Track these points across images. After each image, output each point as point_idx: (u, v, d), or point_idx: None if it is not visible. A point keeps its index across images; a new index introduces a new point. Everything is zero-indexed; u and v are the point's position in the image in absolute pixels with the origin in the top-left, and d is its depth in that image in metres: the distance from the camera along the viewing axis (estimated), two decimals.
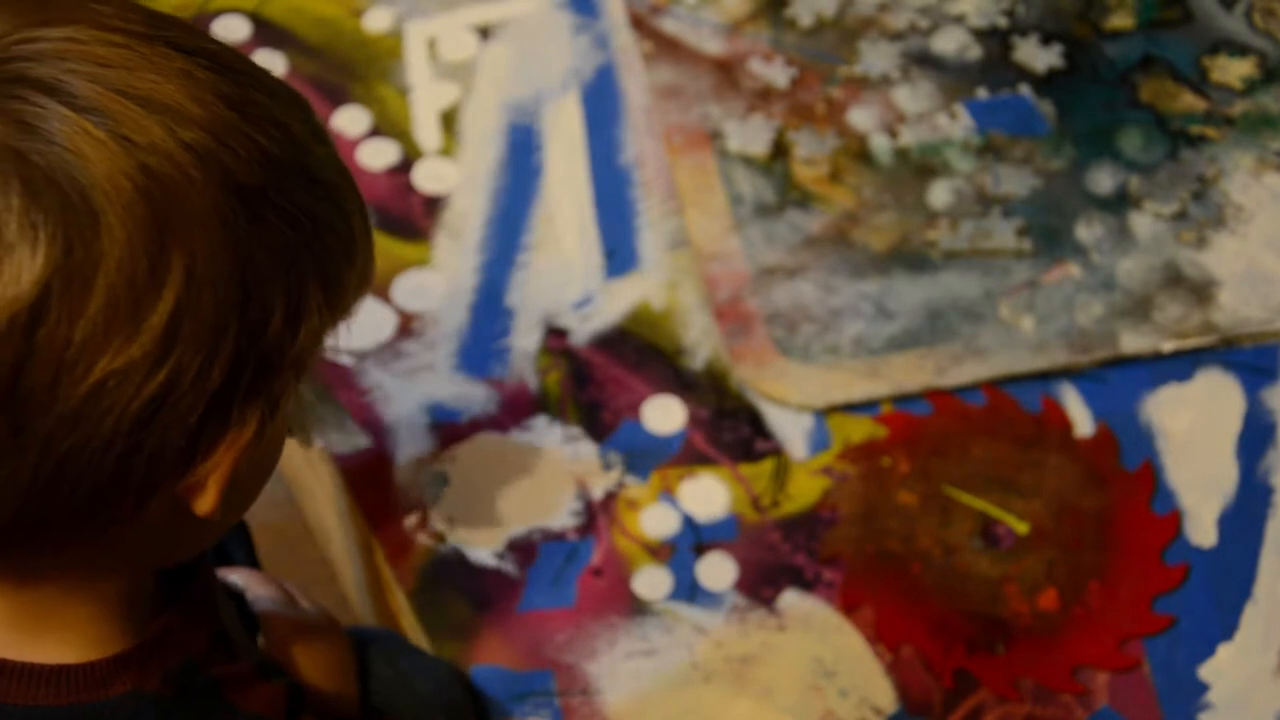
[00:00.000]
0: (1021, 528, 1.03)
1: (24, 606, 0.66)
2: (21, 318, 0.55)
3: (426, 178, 1.18)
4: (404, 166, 1.18)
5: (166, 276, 0.56)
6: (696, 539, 1.03)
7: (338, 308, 0.63)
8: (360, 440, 1.02)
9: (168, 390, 0.57)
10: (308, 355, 0.62)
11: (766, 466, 1.06)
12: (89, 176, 0.55)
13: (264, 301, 0.59)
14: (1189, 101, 1.20)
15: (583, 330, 1.11)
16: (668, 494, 1.05)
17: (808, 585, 1.02)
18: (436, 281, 1.13)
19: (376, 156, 1.19)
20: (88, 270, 0.55)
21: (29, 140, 0.56)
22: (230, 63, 0.61)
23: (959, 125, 1.19)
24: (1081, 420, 1.07)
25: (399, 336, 1.11)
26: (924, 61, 1.22)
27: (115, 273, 0.55)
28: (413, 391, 1.09)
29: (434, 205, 1.17)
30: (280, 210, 0.59)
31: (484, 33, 1.25)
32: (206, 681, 0.69)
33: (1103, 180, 1.16)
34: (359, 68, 1.23)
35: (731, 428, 1.07)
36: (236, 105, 0.59)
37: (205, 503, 0.63)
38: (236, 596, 0.87)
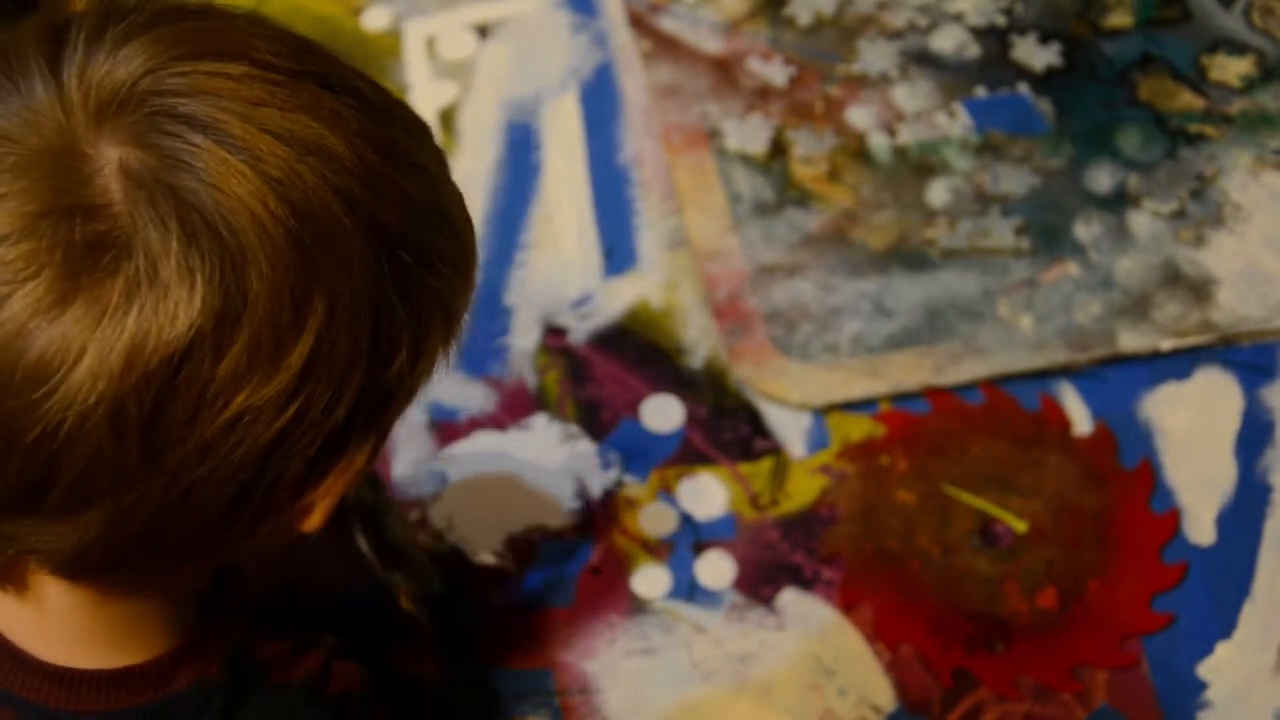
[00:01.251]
0: (1020, 526, 1.03)
1: (106, 617, 0.67)
2: (174, 359, 0.55)
3: None
4: None
5: (308, 319, 0.57)
6: (695, 538, 1.03)
7: (453, 337, 0.64)
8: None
9: (295, 424, 0.58)
10: (422, 385, 0.63)
11: (765, 465, 1.06)
12: (241, 219, 0.55)
13: (393, 341, 0.60)
14: (1188, 100, 1.20)
15: (581, 329, 1.11)
16: (666, 493, 1.05)
17: (806, 584, 1.02)
18: None
19: None
20: (237, 313, 0.55)
21: (181, 178, 0.56)
22: (374, 100, 0.62)
23: (957, 124, 1.19)
24: (1080, 419, 1.07)
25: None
26: (922, 60, 1.22)
27: (261, 315, 0.56)
28: None
29: None
30: (418, 253, 0.60)
31: (483, 31, 1.25)
32: (255, 663, 0.70)
33: (1101, 179, 1.16)
34: (357, 66, 1.22)
35: (730, 426, 1.07)
36: (382, 148, 0.59)
37: (312, 523, 0.64)
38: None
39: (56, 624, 0.66)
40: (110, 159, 0.56)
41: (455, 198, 0.64)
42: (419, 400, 0.65)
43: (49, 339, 0.54)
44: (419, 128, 0.64)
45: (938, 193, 1.16)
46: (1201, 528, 1.04)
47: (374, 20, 1.25)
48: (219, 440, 0.57)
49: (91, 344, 0.54)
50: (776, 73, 1.22)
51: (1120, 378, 1.09)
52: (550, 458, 1.06)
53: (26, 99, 0.57)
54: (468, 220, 0.64)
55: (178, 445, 0.56)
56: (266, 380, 0.56)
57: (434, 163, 0.63)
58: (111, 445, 0.56)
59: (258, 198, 0.56)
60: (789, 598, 1.01)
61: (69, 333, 0.54)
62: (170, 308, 0.55)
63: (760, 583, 1.02)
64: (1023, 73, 1.21)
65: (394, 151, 0.60)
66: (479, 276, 0.67)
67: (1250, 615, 1.01)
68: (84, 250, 0.54)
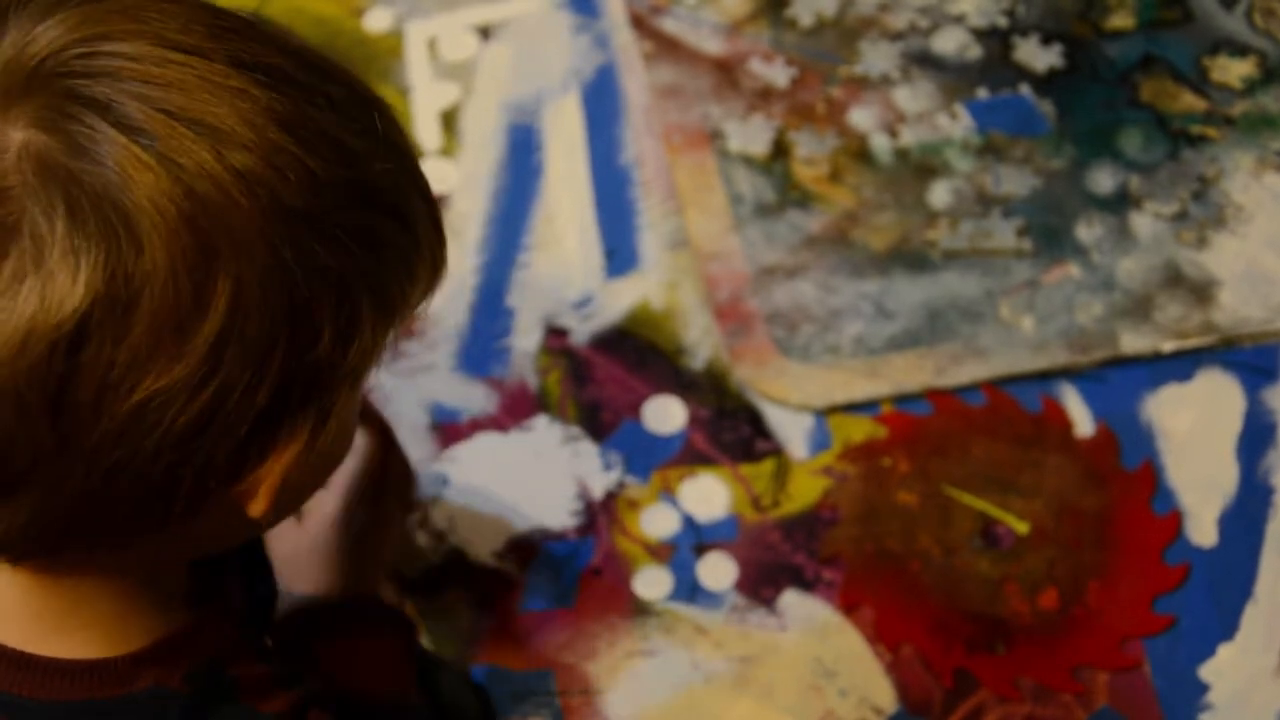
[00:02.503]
0: (1021, 527, 1.03)
1: (57, 599, 0.66)
2: (63, 343, 0.55)
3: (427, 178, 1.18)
4: None
5: (211, 301, 0.56)
6: (697, 539, 1.03)
7: (393, 320, 0.63)
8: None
9: (214, 408, 0.57)
10: (361, 367, 0.62)
11: (767, 466, 1.06)
12: (134, 201, 0.55)
13: (312, 323, 0.59)
14: (1189, 101, 1.20)
15: (583, 330, 1.11)
16: (668, 494, 1.05)
17: (808, 585, 1.02)
18: None
19: None
20: (130, 296, 0.55)
21: (78, 160, 0.56)
22: (291, 74, 0.60)
23: (959, 125, 1.19)
24: (1081, 420, 1.07)
25: (399, 336, 1.11)
26: (924, 61, 1.22)
27: (159, 298, 0.55)
28: (413, 391, 1.09)
29: None
30: (330, 233, 0.59)
31: (484, 33, 1.25)
32: (226, 680, 0.70)
33: (1103, 180, 1.16)
34: (359, 67, 1.22)
35: (731, 428, 1.07)
36: (289, 125, 0.58)
37: (256, 507, 0.63)
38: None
39: (9, 608, 0.66)
40: (13, 141, 0.56)
41: (389, 174, 0.62)
42: (365, 382, 0.64)
43: None
44: (351, 103, 0.62)
45: (939, 194, 1.16)
46: (1203, 529, 1.04)
47: (375, 21, 1.25)
48: (132, 424, 0.56)
49: None
50: (778, 74, 1.22)
51: (1122, 379, 1.09)
52: (551, 459, 1.06)
53: None
54: (415, 195, 0.63)
55: (89, 429, 0.56)
56: (172, 363, 0.56)
57: (360, 140, 0.61)
58: (20, 429, 0.56)
59: (151, 180, 0.55)
60: (790, 599, 1.01)
61: None
62: (56, 291, 0.54)
63: (761, 584, 1.02)
64: (1024, 74, 1.21)
65: (302, 128, 0.59)
66: (443, 250, 0.65)
67: (1252, 617, 1.01)
68: None
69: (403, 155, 0.64)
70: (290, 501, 0.67)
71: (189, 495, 0.60)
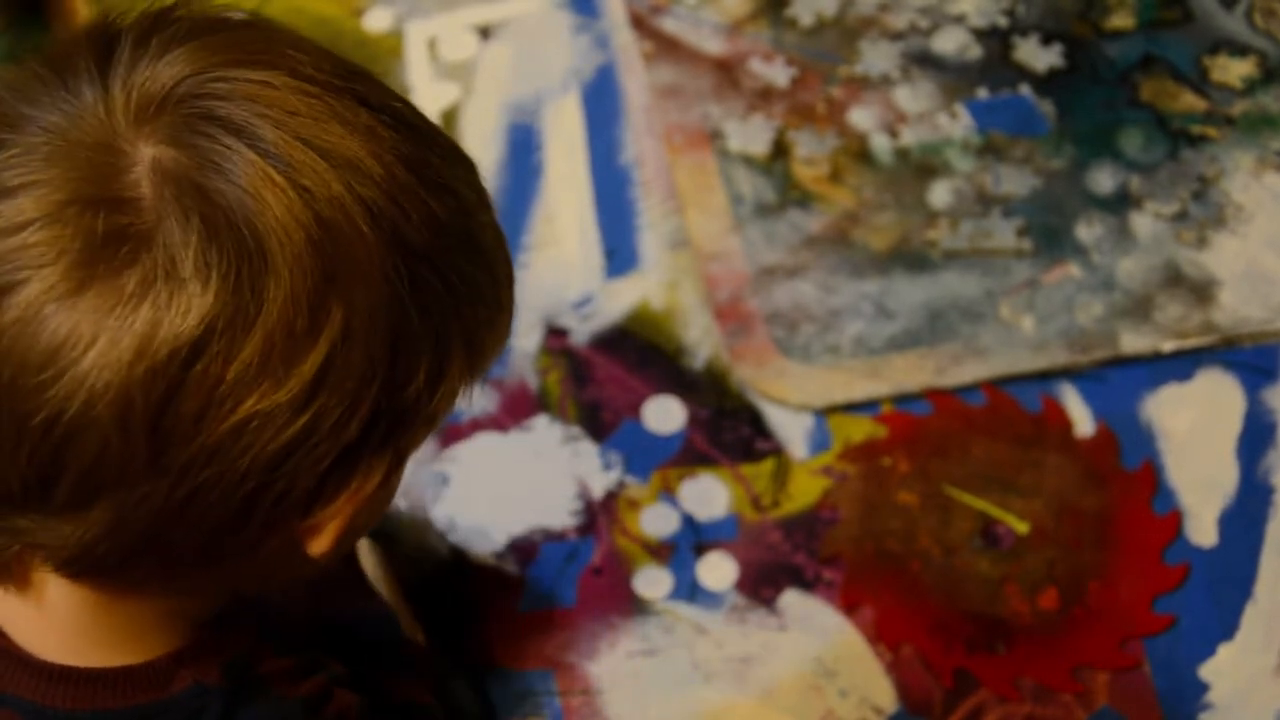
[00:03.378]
0: (1021, 527, 1.03)
1: (105, 615, 0.67)
2: (182, 353, 0.55)
3: None
4: None
5: (324, 327, 0.57)
6: (697, 539, 1.03)
7: (476, 370, 0.64)
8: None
9: (305, 436, 0.58)
10: (441, 413, 0.63)
11: (767, 466, 1.06)
12: (265, 222, 0.56)
13: (410, 361, 0.60)
14: (1189, 101, 1.20)
15: (583, 330, 1.11)
16: (668, 494, 1.05)
17: (808, 585, 1.02)
18: None
19: None
20: (251, 314, 0.56)
21: (213, 178, 0.56)
22: (412, 120, 0.62)
23: (959, 125, 1.19)
24: (1082, 420, 1.07)
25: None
26: (924, 61, 1.22)
27: (276, 319, 0.56)
28: None
29: None
30: (441, 275, 0.60)
31: (484, 33, 1.25)
32: (257, 676, 0.70)
33: (1103, 180, 1.16)
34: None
35: (732, 427, 1.07)
36: (414, 167, 0.60)
37: (320, 545, 0.64)
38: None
39: (56, 622, 0.66)
40: (145, 156, 0.57)
41: (491, 230, 0.64)
42: (437, 430, 0.64)
43: (60, 324, 0.55)
44: (458, 156, 0.64)
45: (939, 194, 1.16)
46: (1203, 529, 1.04)
47: (375, 21, 1.25)
48: (226, 443, 0.57)
49: (103, 332, 0.55)
50: (778, 74, 1.22)
51: (1122, 379, 1.09)
52: (551, 459, 1.06)
53: (73, 97, 0.58)
54: (503, 256, 0.65)
55: (184, 444, 0.57)
56: (277, 386, 0.57)
57: (470, 191, 0.63)
58: (118, 437, 0.56)
59: (284, 203, 0.56)
60: (790, 599, 1.01)
61: (81, 319, 0.55)
62: (184, 302, 0.55)
63: (761, 584, 1.02)
64: (1024, 74, 1.21)
65: (426, 172, 0.60)
66: (514, 314, 0.67)
67: (1252, 616, 1.01)
68: (104, 240, 0.55)
69: (494, 214, 0.66)
70: (347, 542, 0.67)
71: (261, 526, 0.60)
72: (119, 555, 0.60)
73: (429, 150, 0.62)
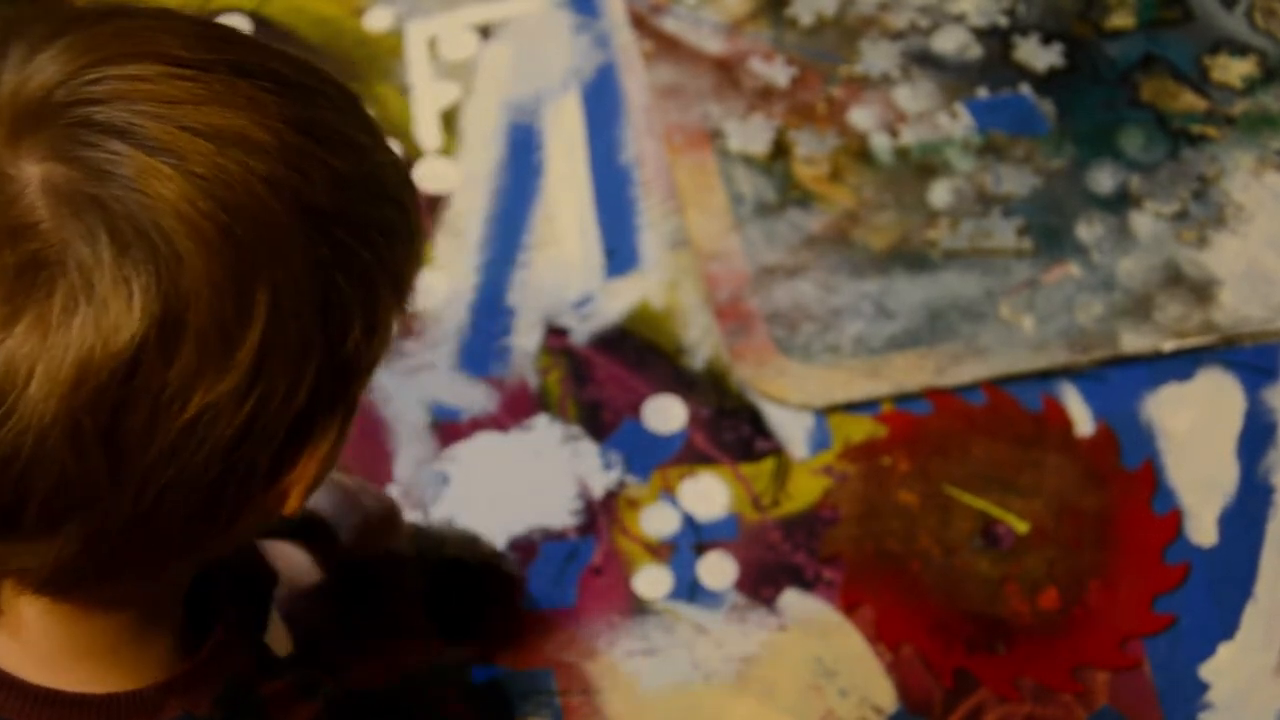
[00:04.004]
0: (1021, 527, 1.03)
1: (87, 625, 0.66)
2: (121, 369, 0.54)
3: (427, 177, 1.18)
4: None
5: (253, 310, 0.56)
6: (697, 538, 1.03)
7: (405, 302, 0.64)
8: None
9: (257, 416, 0.57)
10: (380, 355, 0.63)
11: (767, 466, 1.06)
12: (169, 221, 0.55)
13: (344, 319, 0.59)
14: (1189, 101, 1.20)
15: (583, 330, 1.11)
16: (668, 493, 1.05)
17: (808, 585, 1.02)
18: (437, 281, 1.13)
19: None
20: (179, 316, 0.55)
21: (106, 187, 0.55)
22: (294, 79, 0.61)
23: (959, 125, 1.19)
24: (1082, 419, 1.07)
25: (399, 336, 1.11)
26: (924, 61, 1.22)
27: (205, 314, 0.55)
28: (413, 391, 1.09)
29: (434, 205, 1.17)
30: (355, 229, 0.59)
31: (484, 32, 1.25)
32: (253, 701, 0.70)
33: (1103, 180, 1.16)
34: (359, 67, 1.23)
35: (732, 427, 1.07)
36: (305, 128, 0.59)
37: (290, 506, 0.64)
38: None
39: (35, 644, 0.66)
40: (32, 176, 0.55)
41: (393, 169, 0.63)
42: (380, 368, 0.64)
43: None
44: (345, 100, 0.63)
45: (939, 193, 1.16)
46: (1203, 529, 1.04)
47: (376, 21, 1.25)
48: (182, 443, 0.56)
49: (39, 364, 0.54)
50: (778, 73, 1.22)
51: (1122, 378, 1.09)
52: (552, 458, 1.06)
53: None
54: (407, 184, 0.64)
55: (141, 453, 0.56)
56: (220, 377, 0.56)
57: (366, 136, 0.62)
58: (74, 462, 0.55)
59: (184, 198, 0.55)
60: (790, 598, 1.01)
61: (15, 354, 0.54)
62: (111, 320, 0.54)
63: (761, 583, 1.02)
64: (1024, 73, 1.21)
65: (318, 130, 0.59)
66: (421, 249, 0.66)
67: (1252, 616, 1.01)
68: (17, 272, 0.54)
69: (388, 145, 0.65)
70: (310, 493, 0.67)
71: (232, 507, 0.60)
72: (97, 568, 0.60)
73: (316, 106, 0.60)
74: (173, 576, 0.66)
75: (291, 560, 0.92)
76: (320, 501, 0.91)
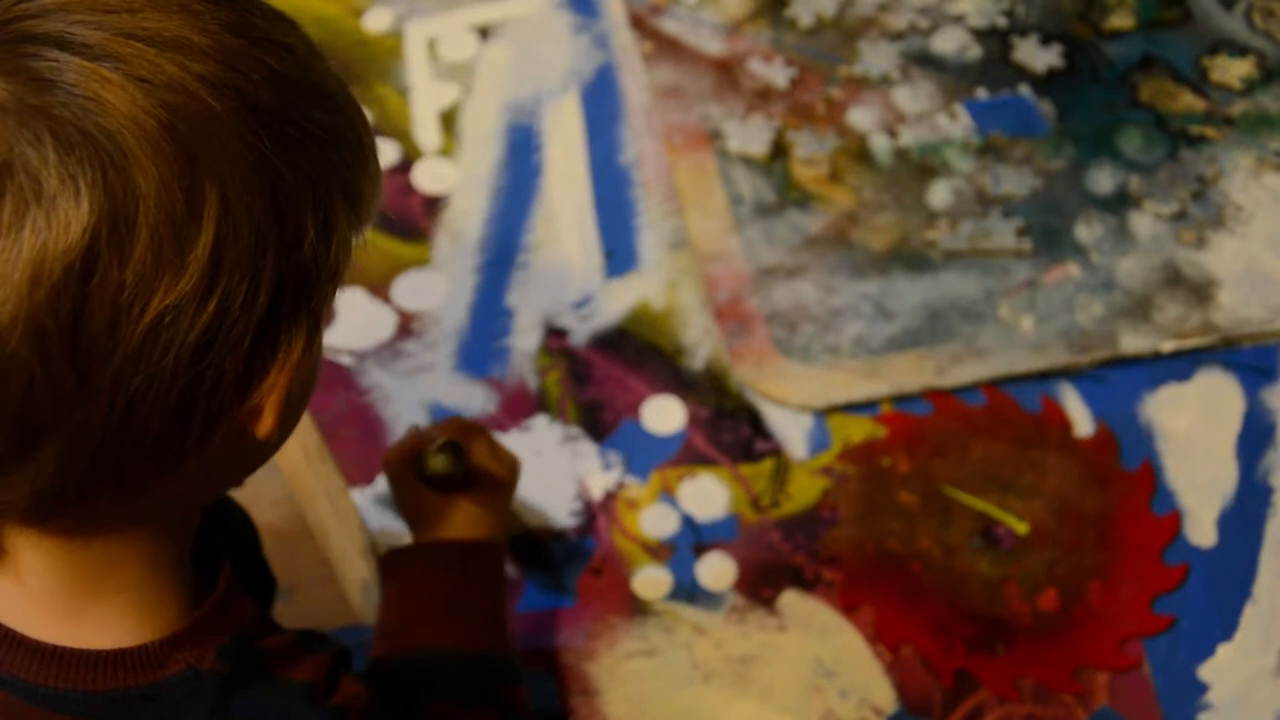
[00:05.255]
0: (1021, 528, 1.03)
1: (84, 566, 0.66)
2: (75, 268, 0.56)
3: (426, 178, 1.18)
4: (404, 166, 1.18)
5: (203, 208, 0.57)
6: (696, 539, 1.03)
7: (362, 217, 0.65)
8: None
9: (219, 319, 0.59)
10: (341, 267, 0.64)
11: (766, 466, 1.06)
12: (115, 122, 0.57)
13: (296, 219, 0.60)
14: (1189, 101, 1.20)
15: (582, 330, 1.11)
16: (668, 494, 1.05)
17: (808, 585, 1.02)
18: (436, 281, 1.13)
19: None
20: (129, 212, 0.56)
21: (49, 95, 0.57)
22: None
23: (959, 125, 1.19)
24: (1081, 420, 1.07)
25: (399, 336, 1.11)
26: (924, 61, 1.22)
27: (155, 211, 0.57)
28: (412, 391, 1.09)
29: (434, 205, 1.17)
30: (299, 127, 0.61)
31: (484, 33, 1.25)
32: (257, 654, 0.70)
33: (1103, 180, 1.16)
34: (358, 67, 1.23)
35: (731, 428, 1.07)
36: (240, 31, 0.60)
37: (264, 426, 0.64)
38: None
39: (37, 588, 0.66)
40: None
41: (333, 78, 0.64)
42: (341, 285, 0.65)
43: None
44: (277, 14, 0.64)
45: (939, 194, 1.16)
46: (1202, 529, 1.04)
47: (375, 22, 1.25)
48: (147, 346, 0.57)
49: None
50: (778, 74, 1.22)
51: (1121, 379, 1.09)
52: (551, 459, 1.06)
53: None
54: (352, 100, 0.65)
55: (106, 359, 0.57)
56: (177, 277, 0.57)
57: (300, 44, 0.63)
58: (41, 369, 0.56)
59: (126, 99, 0.57)
60: (790, 599, 1.01)
61: None
62: (61, 217, 0.55)
63: (761, 584, 1.02)
64: (1024, 74, 1.21)
65: (253, 33, 0.61)
66: (378, 159, 0.67)
67: (1251, 617, 1.01)
68: None
69: (331, 64, 0.66)
70: (289, 422, 0.68)
71: (204, 419, 0.61)
72: (77, 488, 0.60)
73: (248, 14, 0.62)
74: (164, 501, 0.66)
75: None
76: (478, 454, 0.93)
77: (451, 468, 0.90)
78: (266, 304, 0.60)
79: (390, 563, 0.92)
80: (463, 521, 0.92)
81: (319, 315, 0.64)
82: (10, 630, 0.67)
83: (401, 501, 0.94)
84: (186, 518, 0.70)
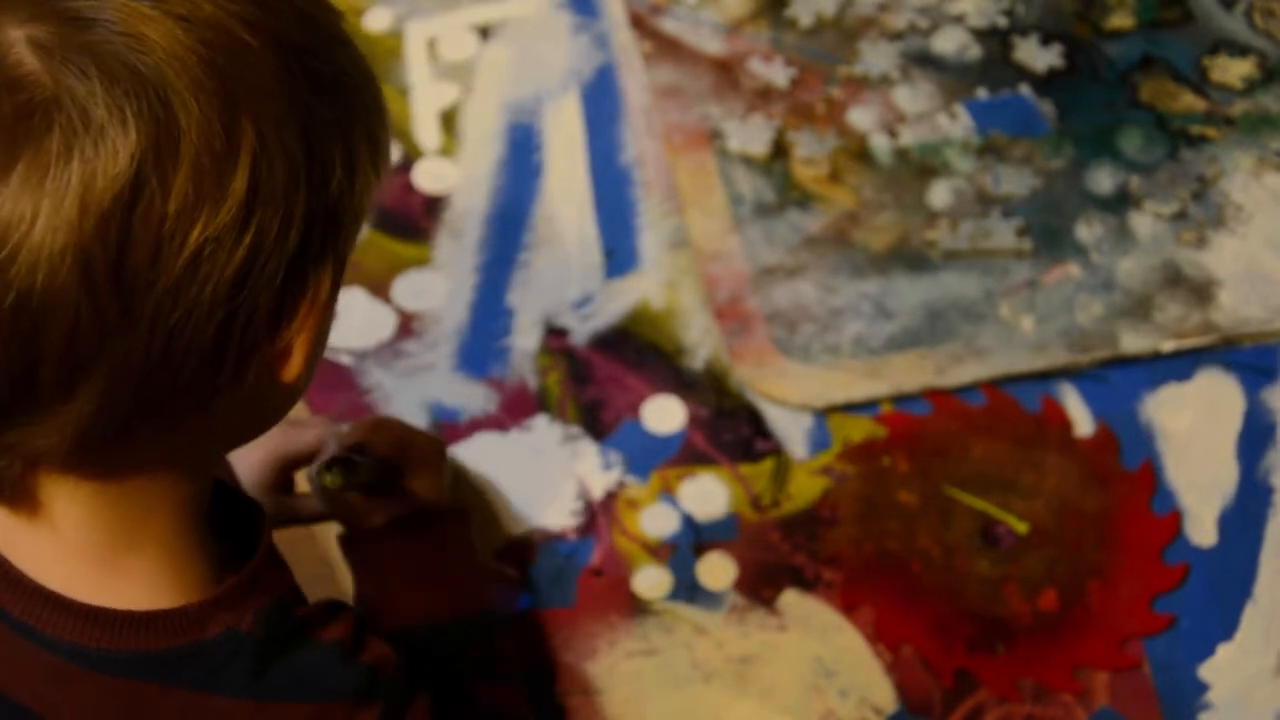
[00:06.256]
0: (1021, 528, 1.03)
1: (120, 517, 0.67)
2: (123, 196, 0.57)
3: (427, 177, 1.18)
4: (404, 166, 1.18)
5: (241, 141, 0.59)
6: (696, 539, 1.03)
7: (380, 162, 0.67)
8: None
9: (254, 254, 0.60)
10: (363, 209, 0.66)
11: (766, 466, 1.06)
12: (156, 57, 0.58)
13: (325, 158, 0.62)
14: (1189, 101, 1.20)
15: (582, 330, 1.11)
16: (668, 494, 1.05)
17: (808, 585, 1.02)
18: (436, 281, 1.13)
19: None
20: (173, 143, 0.58)
21: (90, 34, 0.58)
22: None
23: (959, 125, 1.19)
24: (1081, 420, 1.07)
25: (399, 336, 1.11)
26: (924, 61, 1.22)
27: (197, 143, 0.58)
28: (413, 391, 1.09)
29: (434, 205, 1.17)
30: (326, 63, 0.63)
31: (484, 32, 1.25)
32: (295, 621, 0.72)
33: (1103, 180, 1.16)
34: None
35: (731, 427, 1.07)
36: None
37: (293, 368, 0.66)
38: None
39: (74, 539, 0.67)
40: (16, 38, 0.58)
41: (339, 14, 0.67)
42: (363, 230, 0.67)
43: (1, 206, 0.57)
44: None
45: (939, 194, 1.16)
46: (1203, 529, 1.04)
47: (375, 21, 1.25)
48: (186, 278, 0.59)
49: (44, 200, 0.57)
50: (778, 74, 1.22)
51: (1122, 379, 1.09)
52: (551, 459, 1.06)
53: None
54: (364, 58, 0.68)
55: (148, 290, 0.59)
56: (216, 209, 0.59)
57: None
58: (87, 299, 0.58)
59: (166, 35, 0.59)
60: (790, 599, 1.01)
61: (18, 196, 0.57)
62: (110, 145, 0.57)
63: (761, 584, 1.02)
64: (1024, 74, 1.21)
65: None
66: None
67: (1252, 616, 1.01)
68: (14, 118, 0.57)
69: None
70: (314, 360, 0.69)
71: (237, 356, 0.62)
72: (117, 426, 0.62)
73: None
74: (196, 441, 0.67)
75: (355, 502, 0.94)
76: (380, 442, 0.94)
77: (343, 481, 0.89)
78: (297, 241, 0.61)
79: (352, 546, 0.93)
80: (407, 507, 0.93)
81: (343, 258, 0.66)
82: (51, 592, 0.68)
83: (339, 516, 0.94)
84: (207, 468, 0.71)
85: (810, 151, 1.18)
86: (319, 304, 0.64)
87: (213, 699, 0.69)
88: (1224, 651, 0.99)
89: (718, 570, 1.02)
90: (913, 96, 1.20)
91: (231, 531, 0.73)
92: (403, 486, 0.93)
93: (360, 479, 0.90)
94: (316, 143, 0.62)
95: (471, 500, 1.04)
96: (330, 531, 1.12)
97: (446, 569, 0.92)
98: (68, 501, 0.66)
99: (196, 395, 0.63)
